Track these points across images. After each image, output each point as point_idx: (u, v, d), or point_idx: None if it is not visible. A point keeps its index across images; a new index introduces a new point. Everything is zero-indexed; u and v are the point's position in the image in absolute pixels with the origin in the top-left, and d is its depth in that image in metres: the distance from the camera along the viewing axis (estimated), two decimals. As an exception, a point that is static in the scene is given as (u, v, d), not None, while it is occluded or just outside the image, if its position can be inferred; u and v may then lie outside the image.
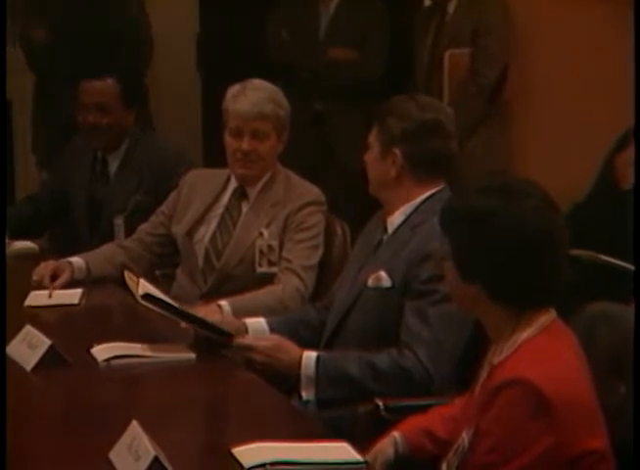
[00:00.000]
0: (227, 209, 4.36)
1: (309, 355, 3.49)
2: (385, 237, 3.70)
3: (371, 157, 3.69)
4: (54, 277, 4.22)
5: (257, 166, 4.26)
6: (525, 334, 2.67)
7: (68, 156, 5.34)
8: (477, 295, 2.70)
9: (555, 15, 6.05)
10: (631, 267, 4.27)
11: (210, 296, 4.13)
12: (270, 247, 4.22)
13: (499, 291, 2.68)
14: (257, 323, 3.79)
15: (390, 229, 3.67)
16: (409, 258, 3.52)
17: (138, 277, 3.59)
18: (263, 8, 6.63)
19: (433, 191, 3.64)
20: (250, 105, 4.21)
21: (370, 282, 3.60)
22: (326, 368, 3.48)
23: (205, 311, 3.75)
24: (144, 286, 3.48)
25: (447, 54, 6.17)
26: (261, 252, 4.22)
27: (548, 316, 2.69)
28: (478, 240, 2.68)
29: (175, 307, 3.45)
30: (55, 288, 4.17)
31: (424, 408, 3.07)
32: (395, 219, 3.66)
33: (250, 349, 3.49)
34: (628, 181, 4.79)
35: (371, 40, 6.51)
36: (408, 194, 3.65)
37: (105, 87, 5.04)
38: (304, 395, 3.48)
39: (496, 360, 2.69)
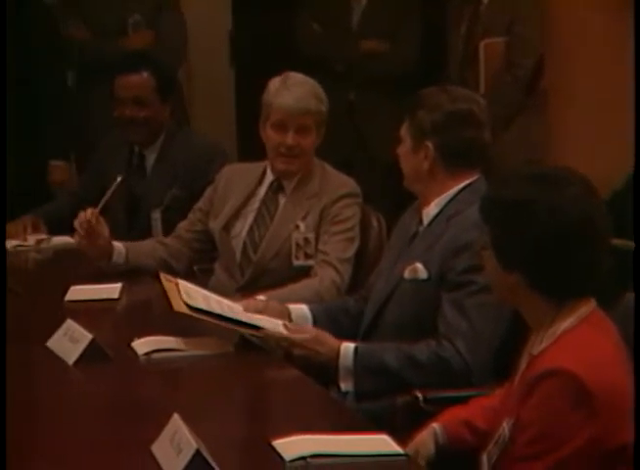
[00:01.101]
0: (264, 202, 4.37)
1: (347, 347, 3.49)
2: (420, 229, 3.69)
3: (403, 150, 3.68)
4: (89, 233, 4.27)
5: (299, 161, 4.28)
6: (564, 324, 2.66)
7: (104, 151, 5.37)
8: (516, 284, 2.70)
9: (590, 2, 6.04)
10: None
11: (247, 289, 4.14)
12: (306, 239, 4.22)
13: (539, 280, 2.68)
14: (300, 309, 3.81)
15: (426, 221, 3.67)
16: (444, 250, 3.52)
17: (176, 279, 3.59)
18: (294, 2, 6.63)
19: (467, 182, 3.63)
20: (294, 100, 4.22)
21: (406, 274, 3.60)
22: (364, 359, 3.48)
23: (247, 304, 3.75)
24: (186, 291, 3.49)
25: (482, 44, 6.14)
26: (298, 244, 4.22)
27: (588, 306, 2.68)
28: (517, 228, 2.68)
29: (217, 314, 3.45)
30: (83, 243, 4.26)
31: (463, 400, 3.06)
32: (430, 211, 3.65)
33: (288, 342, 3.49)
34: None
35: (403, 32, 6.52)
36: (442, 186, 3.63)
37: (141, 81, 5.08)
38: (343, 386, 3.48)
39: (536, 350, 2.69)
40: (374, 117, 6.43)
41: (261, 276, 4.29)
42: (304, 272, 4.20)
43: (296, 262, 4.24)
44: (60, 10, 6.22)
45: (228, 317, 3.44)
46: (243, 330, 3.49)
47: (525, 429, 2.59)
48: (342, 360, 3.47)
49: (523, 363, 2.75)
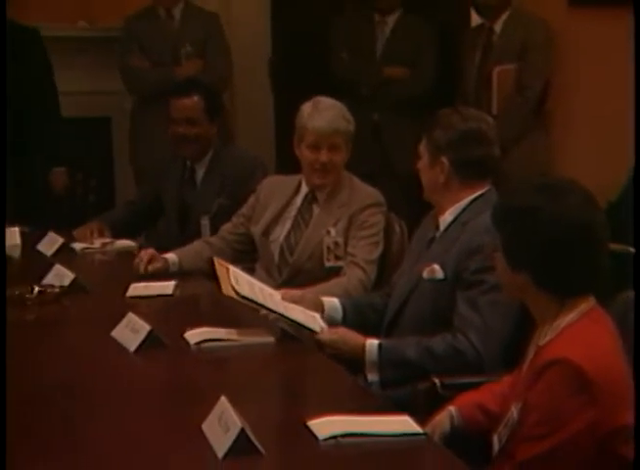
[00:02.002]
0: (300, 211, 4.41)
1: (372, 343, 3.50)
2: (437, 234, 3.69)
3: (422, 165, 3.68)
4: (149, 262, 4.34)
5: (332, 175, 4.30)
6: (567, 319, 2.67)
7: (159, 166, 5.39)
8: (524, 283, 2.71)
9: (591, 31, 5.99)
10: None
11: (285, 287, 4.08)
12: (336, 243, 4.24)
13: (544, 279, 2.68)
14: (332, 302, 3.83)
15: (442, 227, 3.67)
16: (459, 252, 3.52)
17: (228, 264, 3.62)
18: (327, 33, 6.63)
19: (479, 192, 3.63)
20: (326, 122, 4.26)
21: (425, 274, 3.61)
22: (387, 354, 3.49)
23: (285, 293, 3.77)
24: (235, 276, 3.51)
25: (496, 70, 6.11)
26: (329, 248, 4.24)
27: (588, 303, 2.69)
28: (525, 233, 2.69)
29: (260, 303, 3.47)
30: (146, 270, 4.30)
31: (476, 385, 3.07)
32: (446, 218, 3.66)
33: (319, 343, 3.53)
34: None
35: (422, 60, 6.53)
36: (456, 196, 3.64)
37: (192, 103, 5.08)
38: (369, 377, 3.50)
39: (542, 342, 2.70)
40: (396, 136, 6.43)
41: (297, 276, 4.31)
42: (335, 273, 4.21)
43: (327, 264, 4.26)
44: (123, 43, 6.23)
45: (269, 307, 3.46)
46: (281, 319, 3.52)
47: (532, 412, 2.59)
48: (367, 355, 3.49)
49: (530, 353, 2.75)
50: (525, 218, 2.70)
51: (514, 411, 2.66)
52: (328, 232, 4.27)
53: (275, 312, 3.47)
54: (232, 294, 3.41)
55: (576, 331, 2.65)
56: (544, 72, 6.13)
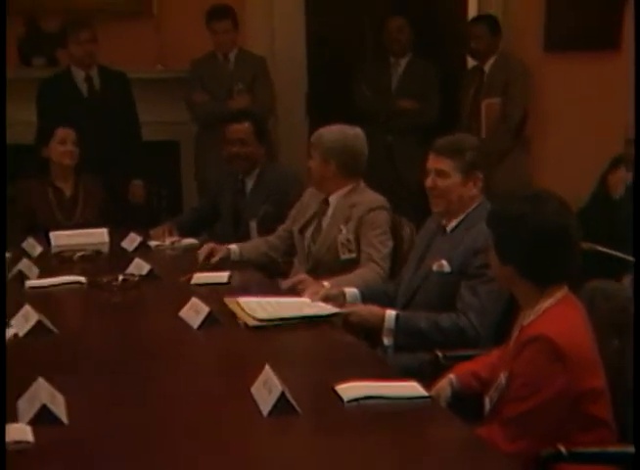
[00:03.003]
0: (317, 215, 4.38)
1: (390, 313, 3.52)
2: (444, 236, 3.65)
3: (451, 183, 3.59)
4: (210, 255, 4.38)
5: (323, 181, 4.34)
6: (546, 304, 2.66)
7: (217, 179, 5.37)
8: (511, 274, 2.70)
9: (561, 71, 6.01)
10: (620, 254, 4.22)
11: (311, 273, 4.14)
12: (348, 240, 4.20)
13: (527, 272, 2.67)
14: (352, 291, 3.80)
15: (449, 229, 3.63)
16: (465, 251, 3.51)
17: (236, 298, 3.54)
18: (351, 73, 6.60)
19: (478, 203, 3.60)
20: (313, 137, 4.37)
21: (435, 267, 3.59)
22: (402, 322, 3.49)
23: (313, 286, 3.78)
24: (247, 305, 3.44)
25: (484, 103, 6.14)
26: (342, 243, 4.21)
27: (563, 291, 2.68)
28: (512, 234, 2.67)
29: (279, 317, 3.36)
30: (207, 260, 4.36)
31: (471, 357, 3.06)
32: (452, 223, 3.63)
33: (350, 313, 3.51)
34: (619, 193, 4.76)
35: (428, 94, 6.50)
36: (464, 206, 3.61)
37: (243, 128, 5.06)
38: (386, 341, 3.50)
39: (525, 322, 2.68)
40: (405, 154, 6.42)
41: (319, 265, 4.29)
42: (350, 264, 4.15)
43: (342, 257, 4.21)
44: (189, 82, 6.24)
45: (285, 316, 3.35)
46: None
47: (516, 378, 2.58)
48: (386, 323, 3.49)
49: (515, 331, 2.74)
50: (512, 222, 2.69)
51: (502, 378, 2.65)
52: (340, 230, 4.22)
53: (290, 318, 3.36)
54: (256, 323, 3.30)
55: (553, 313, 2.64)
56: (523, 104, 6.12)
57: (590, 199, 4.79)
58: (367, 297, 3.80)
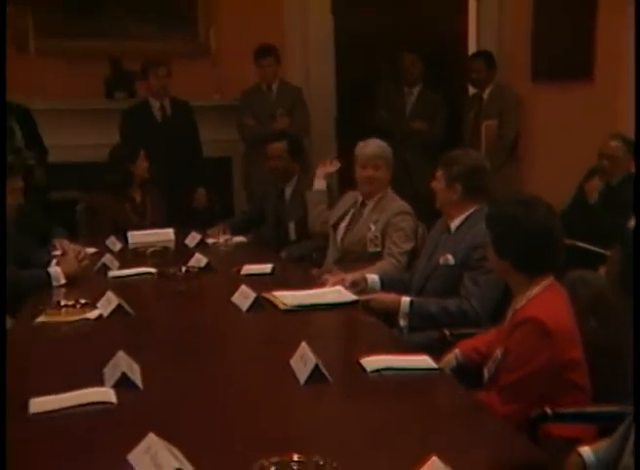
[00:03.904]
0: (354, 213, 4.35)
1: (406, 299, 3.50)
2: (449, 234, 3.63)
3: (439, 187, 3.62)
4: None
5: (374, 186, 4.27)
6: (535, 291, 2.64)
7: (262, 188, 5.39)
8: (507, 267, 2.68)
9: (547, 98, 5.99)
10: (596, 249, 4.21)
11: (339, 262, 4.19)
12: (376, 236, 4.18)
13: (520, 264, 2.65)
14: (374, 277, 3.79)
15: (453, 229, 3.61)
16: (466, 247, 3.49)
17: (272, 293, 3.48)
18: (373, 98, 6.58)
19: (476, 208, 3.57)
20: (370, 149, 4.27)
21: (441, 261, 3.57)
22: (416, 307, 3.48)
23: (335, 277, 3.76)
24: (280, 296, 3.39)
25: (484, 124, 6.12)
26: (370, 239, 4.19)
27: (549, 280, 2.66)
28: (507, 233, 2.66)
29: (307, 304, 3.34)
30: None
31: (473, 335, 3.05)
32: (455, 223, 3.61)
33: (371, 299, 3.49)
34: (593, 198, 4.75)
35: (436, 117, 6.43)
36: (463, 209, 3.59)
37: (282, 146, 5.06)
38: (401, 323, 3.48)
39: (518, 306, 2.67)
40: (419, 168, 6.34)
41: (347, 255, 4.28)
42: (374, 256, 4.14)
43: (370, 249, 4.19)
44: (240, 108, 6.24)
45: (311, 303, 3.33)
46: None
47: (510, 353, 2.57)
48: (402, 307, 3.48)
49: (509, 314, 2.72)
50: (507, 223, 2.67)
51: (498, 352, 2.64)
52: (369, 228, 4.20)
53: (317, 304, 3.33)
54: (286, 307, 3.28)
55: (541, 299, 2.63)
56: (515, 127, 6.11)
57: (570, 203, 4.78)
58: (386, 284, 3.78)
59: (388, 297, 3.54)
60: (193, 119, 6.03)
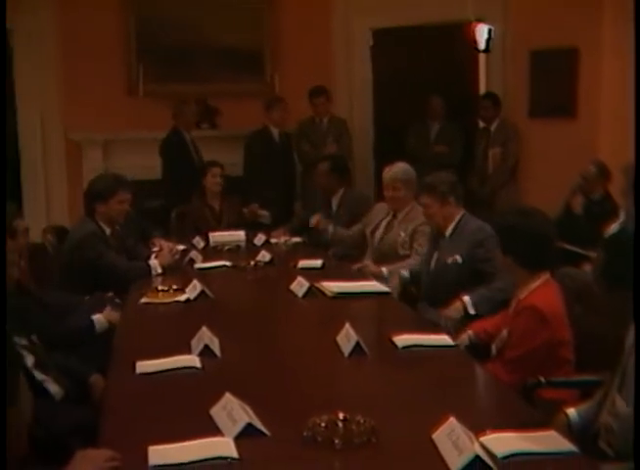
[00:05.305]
0: (388, 222, 4.26)
1: (466, 299, 3.28)
2: (445, 239, 3.55)
3: (434, 205, 3.55)
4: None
5: (397, 203, 4.16)
6: (535, 284, 2.59)
7: (310, 200, 5.36)
8: (511, 264, 2.62)
9: (541, 131, 5.91)
10: (580, 250, 4.16)
11: (375, 261, 4.07)
12: (405, 241, 4.07)
13: (522, 262, 2.59)
14: (404, 273, 3.77)
15: (448, 235, 3.54)
16: (468, 245, 3.44)
17: (321, 282, 3.39)
18: (404, 130, 6.45)
19: (462, 213, 3.53)
20: (390, 174, 4.16)
21: (449, 261, 3.48)
22: (476, 301, 3.28)
23: (372, 269, 3.75)
24: (327, 285, 3.30)
25: (491, 152, 6.02)
26: (401, 244, 4.08)
27: (546, 275, 2.61)
28: (512, 237, 2.60)
29: (347, 292, 3.26)
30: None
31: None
32: (449, 230, 3.54)
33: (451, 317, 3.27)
34: (578, 210, 4.73)
35: (454, 144, 6.27)
36: (453, 217, 3.52)
37: (323, 166, 5.01)
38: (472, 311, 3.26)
39: (521, 296, 2.61)
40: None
41: (381, 255, 4.14)
42: (403, 257, 4.02)
43: (400, 252, 4.06)
44: (296, 136, 6.16)
45: (351, 291, 3.27)
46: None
47: (514, 333, 2.54)
48: (468, 308, 3.25)
49: (514, 301, 2.66)
50: (509, 230, 2.62)
51: (504, 332, 2.60)
52: (399, 234, 4.11)
53: (356, 293, 3.27)
54: (332, 294, 3.23)
55: (540, 291, 2.57)
56: (516, 154, 6.01)
57: (560, 214, 4.72)
58: (414, 277, 3.72)
59: (455, 309, 3.24)
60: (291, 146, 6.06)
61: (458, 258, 3.46)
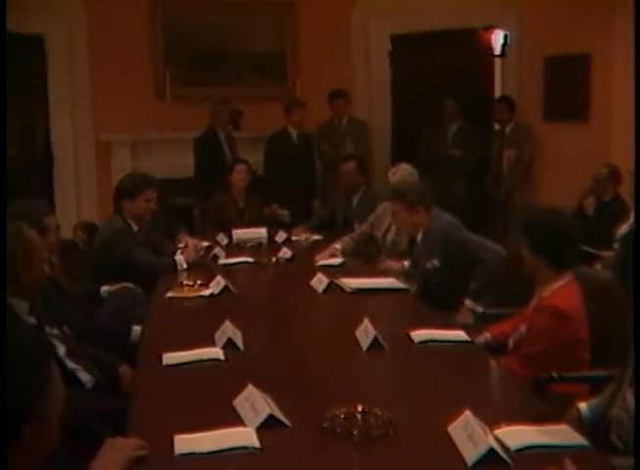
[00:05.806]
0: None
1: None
2: (417, 244, 3.55)
3: (403, 215, 3.53)
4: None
5: (397, 217, 3.98)
6: (558, 284, 2.55)
7: (333, 198, 5.33)
8: (540, 263, 2.56)
9: (555, 133, 5.89)
10: (593, 250, 4.12)
11: (389, 259, 4.02)
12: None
13: (547, 261, 2.54)
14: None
15: (419, 239, 3.54)
16: (444, 250, 3.40)
17: (341, 279, 3.38)
18: (420, 132, 6.42)
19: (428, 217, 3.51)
20: (388, 192, 3.94)
21: (429, 266, 3.48)
22: (474, 293, 3.33)
23: (395, 267, 3.71)
24: (346, 282, 3.30)
25: (506, 153, 5.99)
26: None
27: (569, 275, 2.57)
28: (536, 237, 2.55)
29: (365, 287, 3.25)
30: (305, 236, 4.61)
31: (501, 318, 2.94)
32: (419, 236, 3.54)
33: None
34: (590, 211, 4.69)
35: (470, 146, 6.18)
36: (424, 223, 3.51)
37: (352, 165, 4.94)
38: (479, 309, 3.29)
39: (544, 294, 2.56)
40: (446, 187, 6.06)
41: (392, 255, 4.10)
42: None
43: None
44: (317, 137, 6.14)
45: (368, 287, 3.25)
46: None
47: (533, 330, 2.51)
48: (470, 306, 3.30)
49: (535, 299, 2.62)
50: (534, 229, 2.57)
51: (523, 328, 2.57)
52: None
53: (374, 289, 3.25)
54: (350, 290, 3.22)
55: (562, 291, 2.53)
56: (530, 156, 5.97)
57: (572, 214, 4.67)
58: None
59: (464, 316, 3.26)
60: (312, 146, 6.06)
61: (435, 262, 3.45)
